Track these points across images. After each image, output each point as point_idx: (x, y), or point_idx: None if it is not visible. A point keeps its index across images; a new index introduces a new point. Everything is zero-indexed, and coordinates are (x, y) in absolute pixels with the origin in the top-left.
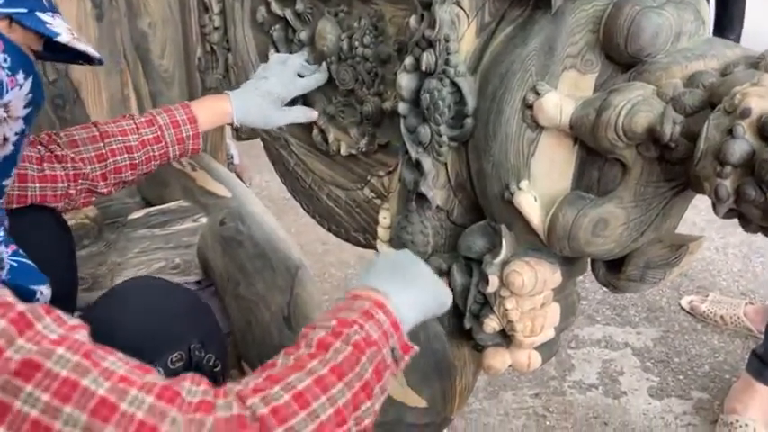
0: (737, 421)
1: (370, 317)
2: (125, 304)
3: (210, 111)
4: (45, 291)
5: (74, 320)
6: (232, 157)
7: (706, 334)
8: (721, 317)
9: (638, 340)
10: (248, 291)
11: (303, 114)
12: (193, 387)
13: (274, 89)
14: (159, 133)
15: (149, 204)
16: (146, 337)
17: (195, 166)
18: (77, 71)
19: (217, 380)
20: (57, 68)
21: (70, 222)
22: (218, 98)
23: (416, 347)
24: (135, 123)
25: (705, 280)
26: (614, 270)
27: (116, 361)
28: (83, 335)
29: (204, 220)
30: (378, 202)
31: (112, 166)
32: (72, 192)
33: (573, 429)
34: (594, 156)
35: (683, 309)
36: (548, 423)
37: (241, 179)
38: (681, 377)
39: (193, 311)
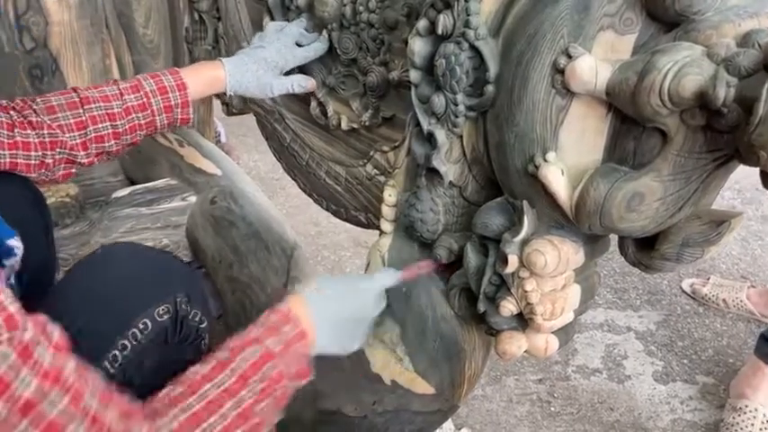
0: (747, 406)
1: (288, 348)
2: (112, 260)
3: (202, 77)
4: (17, 244)
5: (56, 331)
6: (219, 135)
7: (708, 317)
8: (723, 300)
9: (640, 324)
10: (242, 272)
11: (301, 82)
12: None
13: (271, 57)
14: (145, 100)
15: (134, 183)
16: (133, 290)
17: (183, 142)
18: (56, 40)
19: (202, 336)
20: (34, 37)
21: (50, 200)
22: (210, 64)
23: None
24: (119, 89)
25: (705, 263)
26: (646, 248)
27: (92, 397)
28: (70, 366)
29: (193, 198)
30: (381, 179)
31: (93, 135)
32: (49, 161)
33: (578, 415)
34: (630, 125)
35: (684, 292)
36: (552, 409)
37: None
38: (685, 361)
39: (179, 269)
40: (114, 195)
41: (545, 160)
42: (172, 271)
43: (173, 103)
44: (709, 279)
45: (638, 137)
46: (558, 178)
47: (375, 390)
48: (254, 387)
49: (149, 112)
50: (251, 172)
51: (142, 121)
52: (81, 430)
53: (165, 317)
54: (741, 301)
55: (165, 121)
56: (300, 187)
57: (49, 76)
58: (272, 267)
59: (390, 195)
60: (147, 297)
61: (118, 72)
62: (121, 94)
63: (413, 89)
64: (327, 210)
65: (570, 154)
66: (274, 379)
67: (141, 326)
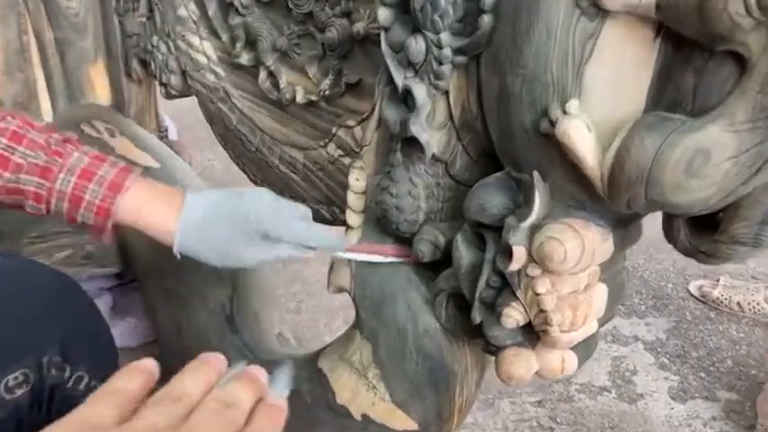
0: None
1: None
2: None
3: (145, 215)
4: None
5: None
6: (166, 130)
7: (722, 323)
8: (738, 303)
9: (648, 333)
10: (178, 283)
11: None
12: None
13: (257, 215)
14: (55, 170)
15: None
16: None
17: (115, 131)
18: None
19: None
20: None
21: None
22: (170, 199)
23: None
24: (41, 141)
25: None
26: (707, 230)
27: None
28: None
29: None
30: (346, 161)
31: None
32: None
33: None
34: (690, 52)
35: (692, 295)
36: None
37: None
38: (702, 374)
39: (56, 303)
40: None
41: (564, 112)
42: (41, 311)
43: (79, 219)
44: (718, 280)
45: (701, 68)
46: (583, 136)
47: (341, 426)
48: None
49: (44, 206)
50: (205, 171)
51: (31, 188)
52: None
53: (19, 392)
54: (758, 303)
55: (64, 214)
56: (251, 178)
57: None
58: (215, 277)
59: (358, 180)
60: None
61: (37, 49)
62: (6, 164)
63: (382, 34)
64: None
65: (600, 102)
66: None
67: None
